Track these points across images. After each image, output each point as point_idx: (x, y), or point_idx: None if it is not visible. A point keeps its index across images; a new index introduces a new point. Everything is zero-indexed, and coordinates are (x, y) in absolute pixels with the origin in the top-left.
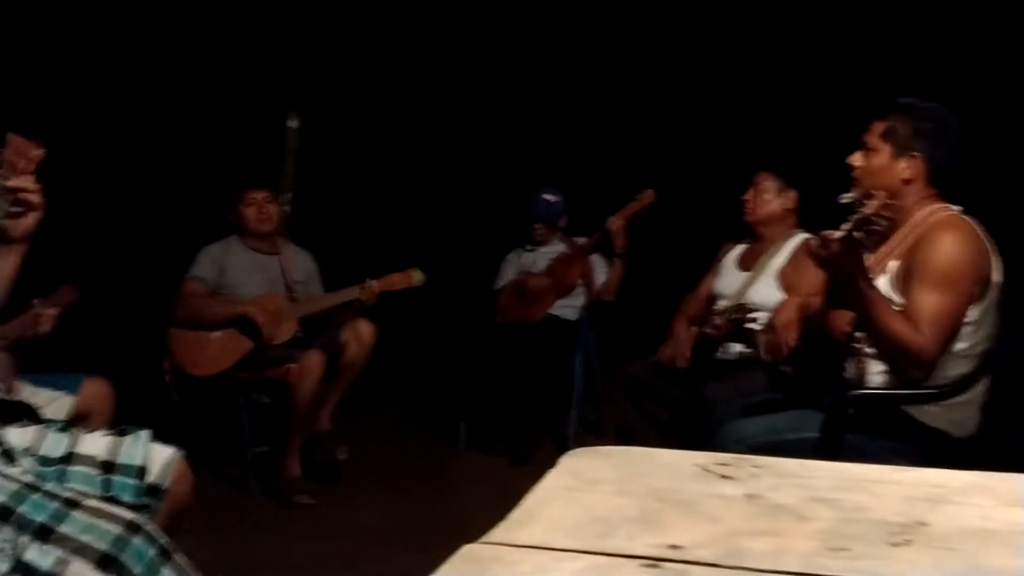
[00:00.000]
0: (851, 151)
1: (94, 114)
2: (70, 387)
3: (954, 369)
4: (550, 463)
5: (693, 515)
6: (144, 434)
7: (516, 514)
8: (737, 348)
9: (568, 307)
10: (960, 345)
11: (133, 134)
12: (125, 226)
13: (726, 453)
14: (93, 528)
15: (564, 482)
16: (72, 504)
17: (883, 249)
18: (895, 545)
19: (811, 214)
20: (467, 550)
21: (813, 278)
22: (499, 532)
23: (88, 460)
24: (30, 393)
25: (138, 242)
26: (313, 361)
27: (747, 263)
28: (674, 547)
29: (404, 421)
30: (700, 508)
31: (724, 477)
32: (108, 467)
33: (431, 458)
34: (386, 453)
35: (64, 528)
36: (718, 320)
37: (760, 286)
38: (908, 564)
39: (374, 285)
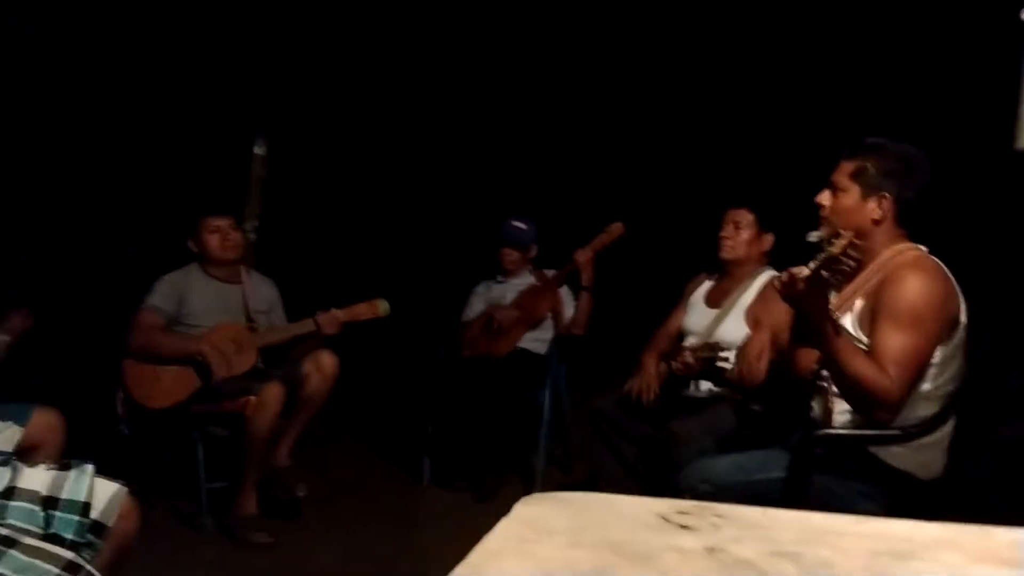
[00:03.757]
0: (818, 188)
1: (57, 137)
2: (19, 417)
3: (920, 410)
4: (516, 500)
5: (649, 570)
6: (89, 468)
7: (461, 570)
8: (706, 385)
9: (537, 340)
10: (926, 386)
11: (97, 158)
12: (86, 252)
13: (690, 498)
14: (31, 568)
15: (516, 532)
16: (9, 543)
17: (849, 288)
18: None
19: (779, 251)
20: None
21: (781, 315)
22: None
23: (29, 495)
24: None
25: (99, 269)
26: (272, 394)
27: (716, 300)
28: None
29: (366, 456)
30: (657, 562)
31: (684, 527)
32: (50, 503)
33: (393, 495)
34: (347, 490)
35: (0, 568)
36: (688, 358)
37: (729, 324)
38: None
39: (338, 314)
